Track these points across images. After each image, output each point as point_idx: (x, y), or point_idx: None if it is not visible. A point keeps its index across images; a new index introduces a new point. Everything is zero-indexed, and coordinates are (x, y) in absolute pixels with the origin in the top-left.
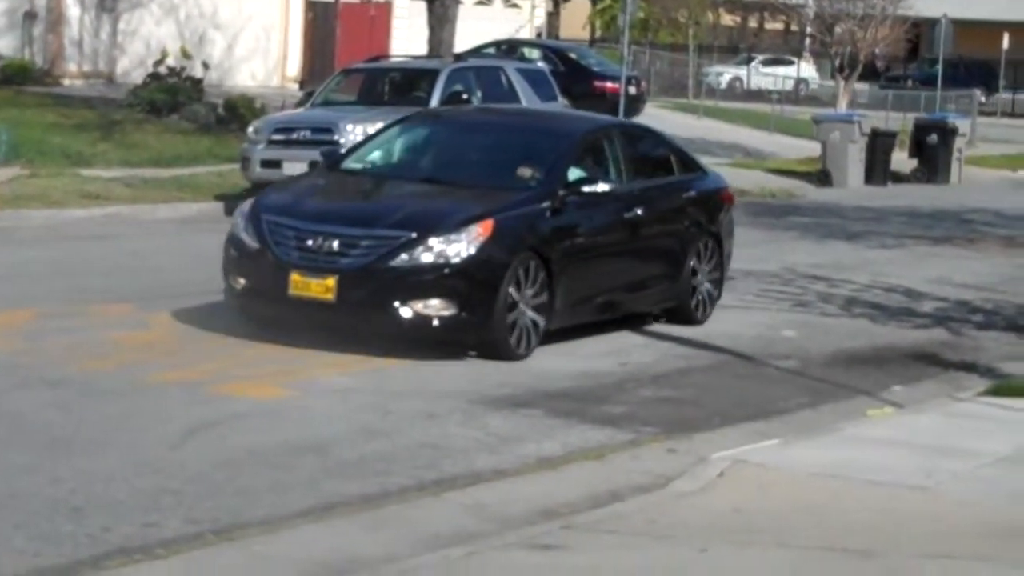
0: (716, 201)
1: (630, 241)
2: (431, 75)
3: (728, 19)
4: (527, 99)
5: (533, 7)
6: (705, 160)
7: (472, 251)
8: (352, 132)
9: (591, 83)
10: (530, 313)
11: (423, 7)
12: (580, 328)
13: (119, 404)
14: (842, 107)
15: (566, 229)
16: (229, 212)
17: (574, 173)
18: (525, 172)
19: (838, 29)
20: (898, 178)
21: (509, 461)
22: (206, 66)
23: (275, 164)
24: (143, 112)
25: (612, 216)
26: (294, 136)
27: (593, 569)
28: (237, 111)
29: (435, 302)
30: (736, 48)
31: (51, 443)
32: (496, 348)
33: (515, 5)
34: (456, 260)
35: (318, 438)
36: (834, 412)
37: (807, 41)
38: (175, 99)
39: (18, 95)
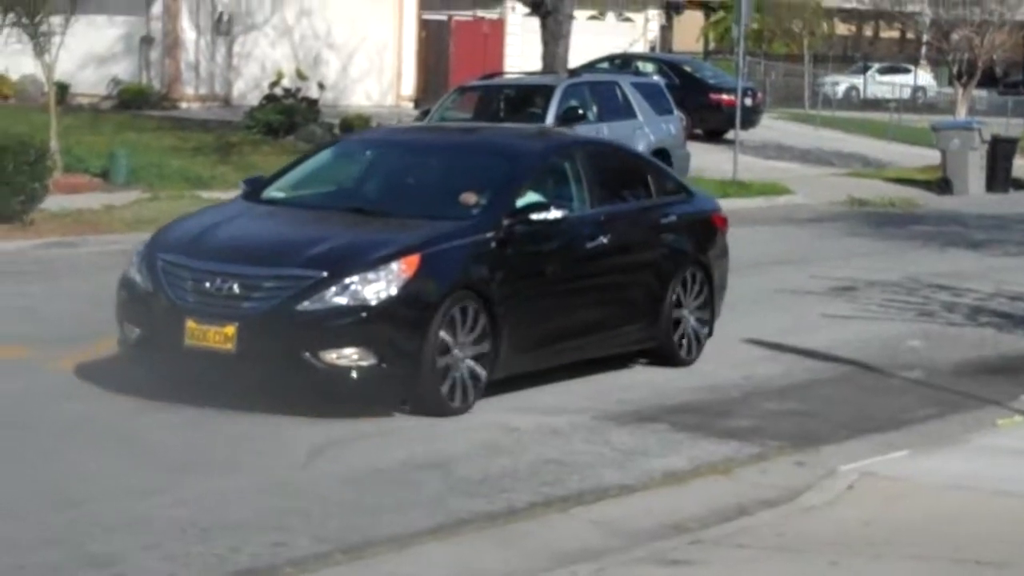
0: (703, 226)
1: (594, 275)
2: (546, 91)
3: (843, 28)
4: (643, 113)
5: (647, 20)
6: (822, 171)
7: (393, 291)
8: None
9: (707, 96)
10: (468, 361)
11: (536, 23)
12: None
13: (243, 425)
14: (961, 114)
15: (512, 263)
16: None
17: (527, 199)
18: (469, 199)
19: (955, 36)
20: (1020, 185)
21: (635, 476)
22: (321, 87)
23: None
24: (260, 134)
25: (571, 247)
26: None
27: None
28: (353, 131)
29: (350, 351)
30: (851, 57)
31: (177, 465)
32: (425, 403)
33: (628, 19)
34: (374, 302)
35: (441, 456)
36: (962, 422)
37: (924, 49)
38: (291, 120)
39: (136, 119)
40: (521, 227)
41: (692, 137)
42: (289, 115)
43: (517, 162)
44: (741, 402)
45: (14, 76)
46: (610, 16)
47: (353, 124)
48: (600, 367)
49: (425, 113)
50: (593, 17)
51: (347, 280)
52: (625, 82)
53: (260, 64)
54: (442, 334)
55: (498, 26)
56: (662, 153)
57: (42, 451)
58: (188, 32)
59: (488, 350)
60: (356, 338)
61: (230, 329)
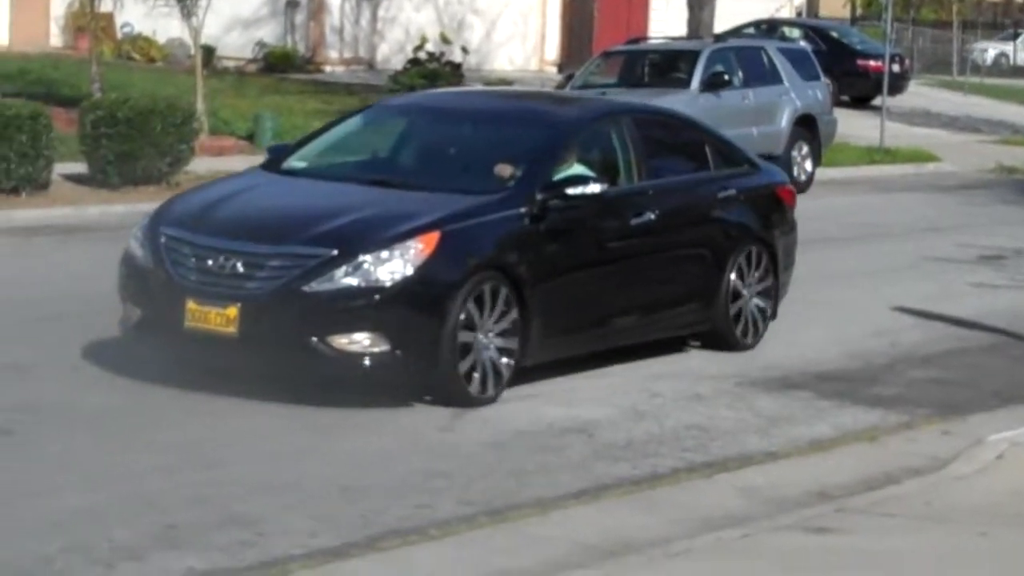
0: (766, 200)
1: (640, 254)
2: (691, 56)
3: None
4: (789, 80)
5: None
6: (970, 138)
7: (409, 271)
8: None
9: (854, 62)
10: (494, 348)
11: None
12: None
13: None
14: None
15: (546, 241)
16: None
17: (569, 171)
18: (504, 170)
19: None
20: None
21: (780, 443)
22: (465, 51)
23: None
24: None
25: (613, 223)
26: None
27: (870, 553)
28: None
29: (361, 337)
30: (1001, 23)
31: (321, 427)
32: (444, 392)
33: None
34: (388, 283)
35: (584, 420)
36: None
37: None
38: (435, 84)
39: (281, 82)
40: (557, 202)
41: (838, 103)
42: (433, 79)
43: (554, 131)
44: (887, 370)
45: (162, 39)
46: None
47: None
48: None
49: (569, 78)
50: None
51: (358, 259)
52: (771, 47)
53: (404, 28)
54: (464, 318)
55: None
56: (808, 119)
57: (185, 411)
58: None
59: (517, 335)
60: (368, 322)
61: (232, 311)
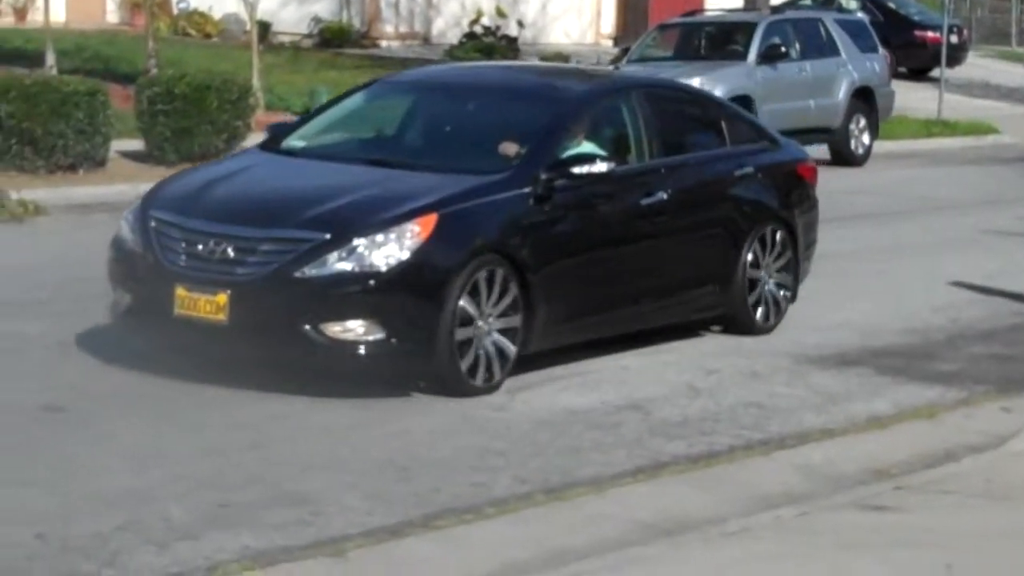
0: (786, 178)
1: (651, 235)
2: (748, 28)
3: None
4: (847, 51)
5: None
6: None
7: (405, 256)
8: None
9: (911, 33)
10: (495, 334)
11: None
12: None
13: None
14: None
15: (550, 223)
16: None
17: (578, 149)
18: (509, 149)
19: None
20: None
21: (837, 420)
22: (521, 24)
23: None
24: None
25: (622, 203)
26: None
27: (929, 531)
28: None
29: (355, 324)
30: None
31: (375, 405)
32: (442, 381)
33: None
34: (383, 268)
35: (639, 397)
36: None
37: None
38: (491, 58)
39: (336, 57)
40: (563, 182)
41: (896, 75)
42: (488, 53)
43: (560, 108)
44: (946, 345)
45: (217, 15)
46: None
47: (552, 62)
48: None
49: (625, 51)
50: None
51: (352, 243)
52: (828, 19)
53: (460, 2)
54: (463, 304)
55: None
56: (866, 92)
57: (232, 391)
58: None
59: (519, 321)
60: (362, 309)
61: (222, 298)
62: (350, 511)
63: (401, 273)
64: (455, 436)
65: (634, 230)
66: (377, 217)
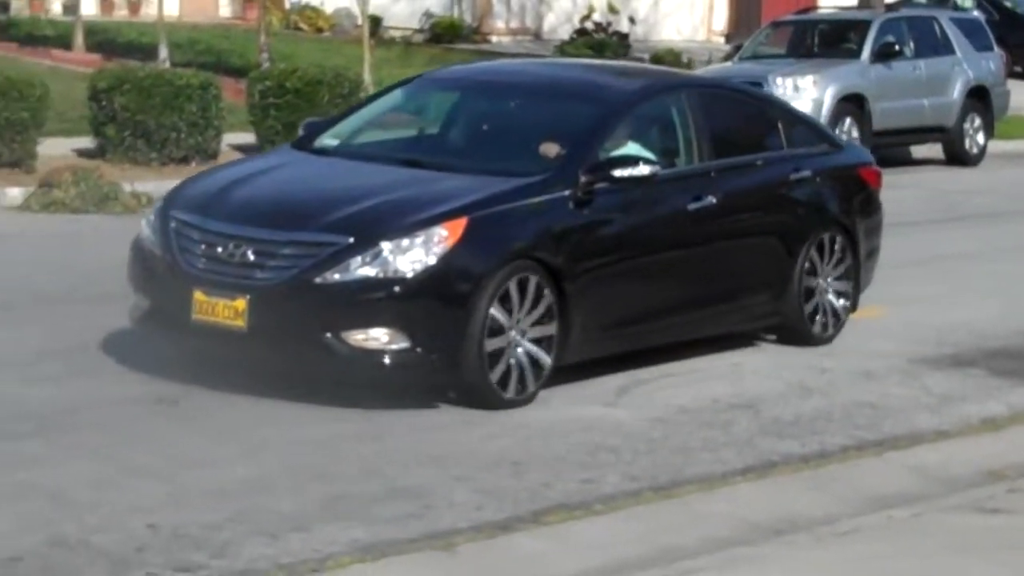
0: (847, 182)
1: (699, 241)
2: (862, 26)
3: None
4: (962, 50)
5: None
6: None
7: (432, 262)
8: (782, 85)
9: None
10: (528, 344)
11: None
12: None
13: None
14: None
15: (591, 227)
16: None
17: (624, 150)
18: (550, 150)
19: None
20: None
21: (951, 422)
22: (632, 21)
23: None
24: None
25: (668, 208)
26: None
27: None
28: (664, 65)
29: (379, 333)
30: None
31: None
32: (471, 393)
33: None
34: (409, 274)
35: (750, 396)
36: None
37: None
38: (602, 55)
39: (447, 53)
40: (604, 185)
41: (1012, 75)
42: (599, 50)
43: (604, 108)
44: None
45: (329, 9)
46: None
47: (664, 59)
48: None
49: (737, 48)
50: None
51: (377, 247)
52: (943, 17)
53: None
54: (493, 312)
55: None
56: (981, 91)
57: (344, 384)
58: None
59: (554, 331)
60: (386, 317)
61: (240, 303)
62: (461, 505)
63: (427, 279)
64: (567, 433)
65: (681, 236)
66: (404, 221)
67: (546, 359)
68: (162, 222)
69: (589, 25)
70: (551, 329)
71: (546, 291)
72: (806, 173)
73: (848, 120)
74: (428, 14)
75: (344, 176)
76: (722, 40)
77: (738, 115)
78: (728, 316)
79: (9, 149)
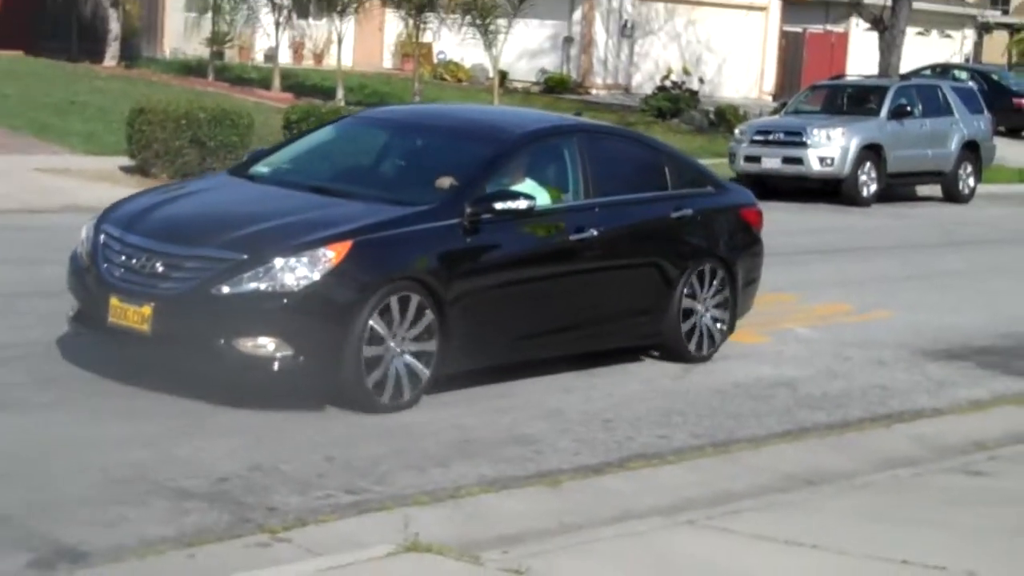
0: (726, 220)
1: (580, 268)
2: (881, 91)
3: None
4: (959, 112)
5: (963, 38)
6: None
7: (316, 278)
8: (818, 135)
9: (1010, 99)
10: (406, 356)
11: (873, 37)
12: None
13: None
14: None
15: (475, 254)
16: None
17: (517, 186)
18: (444, 183)
19: None
20: None
21: (945, 402)
22: (701, 81)
23: (755, 159)
24: (652, 116)
25: (550, 238)
26: (771, 137)
27: (1016, 492)
28: (725, 117)
29: (266, 341)
30: None
31: (583, 372)
32: (348, 397)
33: (948, 36)
34: (294, 289)
35: (788, 376)
36: None
37: None
38: (677, 106)
39: (557, 101)
40: (488, 216)
41: (997, 133)
42: (675, 102)
43: (495, 147)
44: None
45: (467, 64)
46: (933, 33)
47: (725, 112)
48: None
49: (783, 105)
50: (919, 33)
51: (267, 264)
52: (945, 86)
53: (654, 61)
54: (373, 326)
55: (842, 38)
56: (973, 145)
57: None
58: (600, 35)
59: (434, 347)
60: (271, 327)
61: (147, 309)
62: (564, 452)
63: (311, 295)
64: (645, 399)
65: (561, 264)
66: (294, 241)
67: (425, 372)
68: (94, 234)
69: (668, 83)
70: (431, 346)
71: (427, 311)
72: (687, 211)
73: (868, 164)
74: (543, 71)
75: (257, 200)
76: (770, 98)
77: (627, 158)
78: (611, 335)
79: (223, 165)
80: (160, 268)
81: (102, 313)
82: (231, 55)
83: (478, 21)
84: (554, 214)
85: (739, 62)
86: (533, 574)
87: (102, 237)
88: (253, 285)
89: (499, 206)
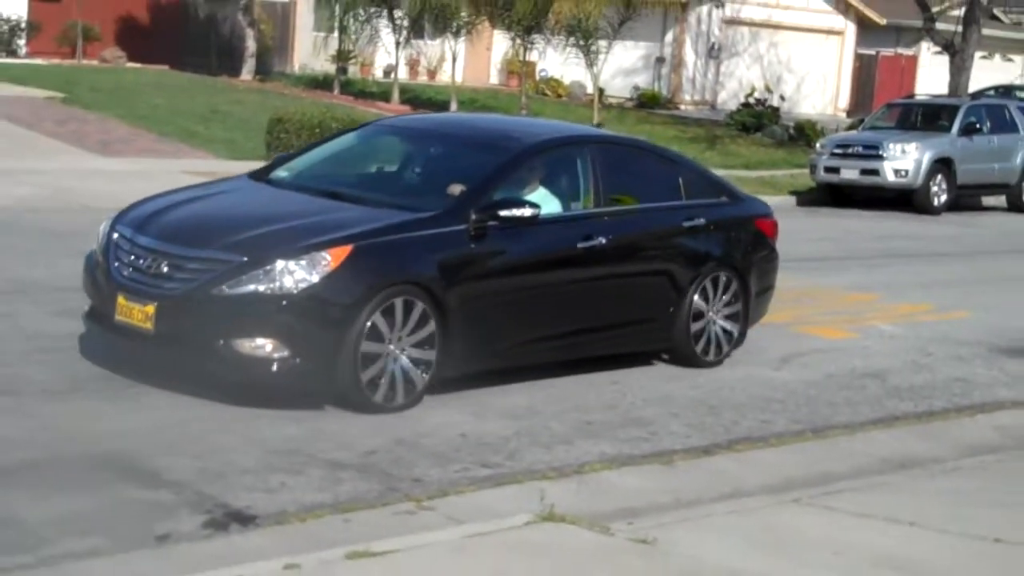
0: (740, 230)
1: (588, 275)
2: (953, 109)
3: None
4: (1023, 129)
5: None
6: None
7: (314, 281)
8: (894, 149)
9: None
10: (404, 359)
11: (939, 59)
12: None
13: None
14: None
15: (479, 259)
16: (800, 204)
17: (529, 194)
18: (455, 189)
19: None
20: None
21: (1022, 395)
22: (782, 98)
23: (835, 170)
24: (736, 131)
25: (556, 246)
26: (850, 150)
27: None
28: (803, 131)
29: (263, 342)
30: None
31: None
32: (347, 400)
33: (1010, 59)
34: (292, 291)
35: (877, 369)
36: None
37: None
38: (759, 122)
39: (649, 116)
40: (493, 223)
41: None
42: (758, 118)
43: (504, 156)
44: None
45: (567, 81)
46: (996, 57)
47: (804, 127)
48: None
49: (859, 121)
50: (984, 57)
51: (267, 267)
52: (1012, 105)
53: (738, 80)
54: (371, 327)
55: (912, 61)
56: None
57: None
58: (689, 55)
59: (434, 355)
60: (269, 328)
61: (150, 308)
62: (676, 434)
63: (309, 298)
64: (748, 388)
65: (568, 271)
66: (295, 244)
67: (422, 378)
68: (107, 235)
69: (751, 100)
70: (430, 354)
71: (428, 316)
72: (700, 221)
73: (939, 176)
74: (636, 88)
75: (267, 204)
76: (844, 115)
77: (640, 169)
78: (620, 339)
79: None
80: (165, 269)
81: (110, 311)
82: (354, 71)
83: (581, 42)
84: (561, 222)
85: (816, 81)
86: (659, 544)
87: (115, 236)
88: (252, 287)
89: (504, 213)
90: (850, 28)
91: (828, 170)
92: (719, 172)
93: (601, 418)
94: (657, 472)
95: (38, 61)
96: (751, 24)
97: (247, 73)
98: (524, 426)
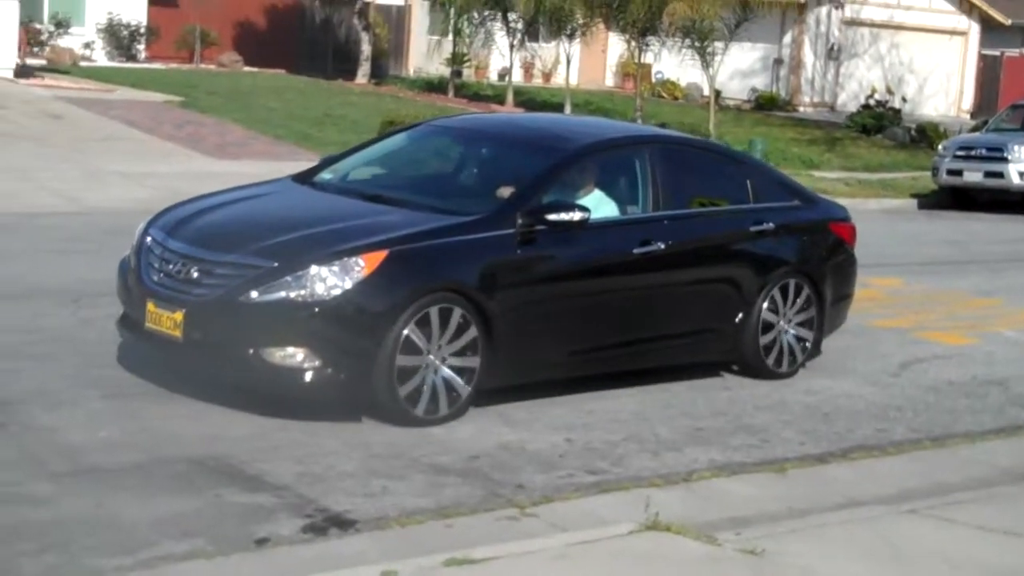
0: (814, 234)
1: (645, 282)
2: None
3: None
4: None
5: None
6: None
7: (348, 288)
8: (1019, 151)
9: None
10: (445, 370)
11: None
12: None
13: (845, 339)
14: None
15: (526, 265)
16: (922, 207)
17: (583, 198)
18: (504, 192)
19: None
20: None
21: None
22: (904, 100)
23: (958, 173)
24: (856, 132)
25: (614, 251)
26: (973, 153)
27: None
28: (926, 133)
29: (295, 351)
30: None
31: (805, 371)
32: (382, 410)
33: None
34: (325, 299)
35: (1000, 376)
36: None
37: None
38: (880, 123)
39: (767, 118)
40: (541, 227)
41: None
42: (878, 120)
43: (554, 158)
44: None
45: (683, 83)
46: None
47: (926, 129)
48: None
49: (983, 123)
50: None
51: (298, 273)
52: None
53: (858, 82)
54: (408, 336)
55: None
56: None
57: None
58: (808, 57)
59: (477, 363)
60: (300, 337)
61: (179, 315)
62: (788, 442)
63: (342, 305)
64: (863, 395)
65: (624, 277)
66: (328, 250)
67: (465, 388)
68: (141, 238)
69: (872, 102)
70: (473, 362)
71: (470, 324)
72: (768, 225)
73: None
74: (754, 89)
75: (305, 207)
76: (968, 116)
77: (704, 171)
78: (681, 350)
79: None
80: (195, 274)
81: (141, 317)
82: (468, 74)
83: (696, 44)
84: (616, 226)
85: (939, 82)
86: (769, 555)
87: (148, 240)
88: (283, 293)
89: (552, 217)
90: (974, 28)
91: (951, 173)
92: (838, 174)
93: (711, 424)
94: (768, 480)
95: (157, 65)
96: (871, 25)
97: (362, 77)
98: (632, 432)
